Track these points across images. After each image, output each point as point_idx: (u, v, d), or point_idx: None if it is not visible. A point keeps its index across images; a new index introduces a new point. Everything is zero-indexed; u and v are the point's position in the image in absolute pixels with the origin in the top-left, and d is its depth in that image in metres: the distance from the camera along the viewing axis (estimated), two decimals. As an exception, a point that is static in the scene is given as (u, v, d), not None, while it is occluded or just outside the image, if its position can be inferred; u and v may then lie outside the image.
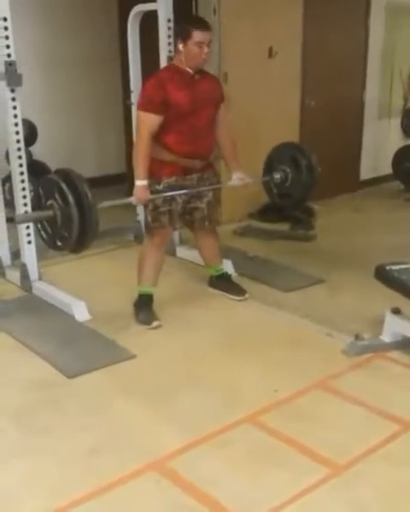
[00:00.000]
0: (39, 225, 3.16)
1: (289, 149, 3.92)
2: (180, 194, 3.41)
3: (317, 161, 3.81)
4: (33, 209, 3.18)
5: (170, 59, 4.18)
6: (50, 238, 3.14)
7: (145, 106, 3.26)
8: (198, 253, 3.91)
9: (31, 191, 3.85)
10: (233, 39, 4.90)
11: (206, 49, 3.24)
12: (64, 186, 2.96)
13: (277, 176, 3.86)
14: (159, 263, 3.52)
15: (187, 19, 3.54)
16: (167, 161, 3.33)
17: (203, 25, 3.25)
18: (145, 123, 3.26)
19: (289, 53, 5.33)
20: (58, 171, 3.12)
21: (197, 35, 3.20)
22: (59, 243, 3.12)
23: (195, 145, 3.36)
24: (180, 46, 3.24)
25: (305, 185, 3.84)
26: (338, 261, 4.34)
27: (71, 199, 2.94)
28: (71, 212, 2.94)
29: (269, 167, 3.94)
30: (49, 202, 3.05)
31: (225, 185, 3.76)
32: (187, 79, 3.29)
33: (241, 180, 3.62)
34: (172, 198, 3.40)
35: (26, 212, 3.67)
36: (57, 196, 2.99)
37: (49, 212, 3.04)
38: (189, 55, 3.24)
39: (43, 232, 3.16)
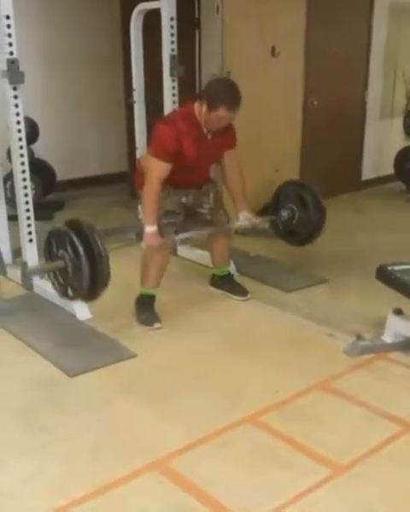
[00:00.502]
0: (52, 275, 3.19)
1: (296, 187, 3.96)
2: (181, 204, 3.46)
3: (323, 201, 3.88)
4: (46, 259, 3.25)
5: (172, 58, 4.19)
6: (62, 287, 3.18)
7: (159, 154, 3.22)
8: (202, 253, 3.90)
9: (32, 189, 3.85)
10: (236, 38, 4.89)
11: (226, 123, 3.23)
12: (75, 238, 3.00)
13: (284, 214, 3.91)
14: (162, 265, 3.51)
15: (222, 88, 3.23)
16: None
17: (233, 104, 3.16)
18: (157, 170, 3.25)
19: (291, 52, 5.33)
20: (69, 223, 3.13)
21: (223, 112, 3.16)
22: (71, 292, 3.16)
23: (189, 180, 3.43)
24: (204, 107, 3.18)
25: (312, 223, 3.89)
26: (340, 261, 4.34)
27: (81, 251, 2.97)
28: (81, 264, 2.98)
29: (276, 205, 3.99)
30: (61, 253, 3.08)
31: (232, 226, 3.76)
32: (201, 136, 3.29)
33: (248, 220, 3.62)
34: (175, 212, 3.44)
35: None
36: (68, 247, 3.03)
37: (60, 263, 3.09)
38: (208, 120, 3.23)
39: (55, 281, 3.20)
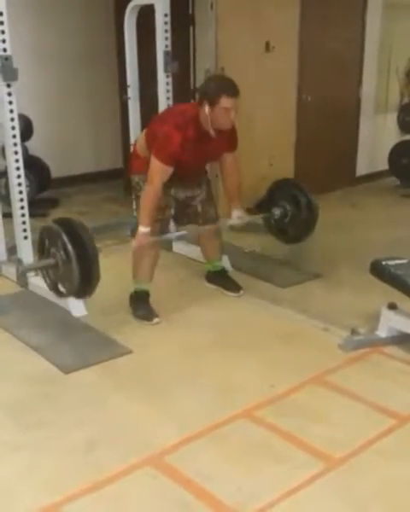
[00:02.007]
0: (44, 272, 3.21)
1: (289, 186, 3.99)
2: (173, 198, 3.47)
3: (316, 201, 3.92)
4: (38, 256, 3.26)
5: (166, 54, 4.19)
6: (53, 284, 3.19)
7: (164, 159, 3.22)
8: (197, 248, 3.91)
9: (26, 186, 3.85)
10: (230, 34, 4.88)
11: (233, 114, 3.23)
12: (65, 236, 3.01)
13: (276, 212, 3.95)
14: (154, 259, 3.52)
15: (216, 81, 3.35)
16: None
17: (232, 90, 3.18)
18: (162, 173, 3.25)
19: (286, 48, 5.32)
20: (60, 221, 3.14)
21: (225, 101, 3.16)
22: (62, 289, 3.17)
23: (184, 176, 3.43)
24: (206, 109, 3.18)
25: (304, 222, 3.93)
26: (334, 256, 4.35)
27: (71, 248, 2.98)
28: (71, 261, 2.99)
29: (270, 202, 4.03)
30: (53, 250, 3.09)
31: (224, 224, 3.77)
32: (204, 140, 3.28)
33: (240, 219, 3.64)
34: (166, 205, 3.44)
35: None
36: (59, 245, 3.04)
37: (51, 261, 3.10)
38: (215, 119, 3.22)
39: (46, 278, 3.21)
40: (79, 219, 3.20)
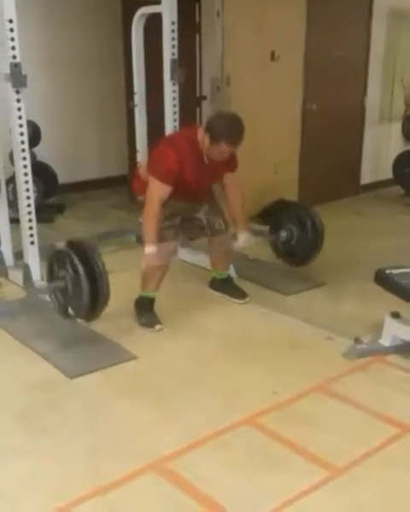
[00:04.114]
0: (53, 294, 3.21)
1: (295, 209, 4.03)
2: (178, 208, 3.46)
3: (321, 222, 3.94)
4: (47, 278, 3.26)
5: (173, 62, 4.21)
6: (62, 307, 3.18)
7: (161, 177, 3.24)
8: (200, 256, 3.93)
9: (34, 192, 3.87)
10: (236, 42, 4.92)
11: (226, 156, 3.27)
12: (75, 258, 3.00)
13: (283, 234, 3.98)
14: (164, 272, 3.53)
15: (224, 122, 3.25)
16: None
17: (235, 140, 3.21)
18: (159, 192, 3.26)
19: (291, 57, 5.35)
20: (70, 243, 3.14)
21: (224, 146, 3.20)
22: (71, 312, 3.16)
23: (187, 198, 3.44)
24: (207, 139, 3.20)
25: (310, 244, 3.96)
26: (338, 265, 4.36)
27: (82, 271, 2.98)
28: (82, 285, 2.98)
29: (275, 224, 4.08)
30: (62, 273, 3.10)
31: (231, 238, 3.76)
32: (200, 161, 3.30)
33: (246, 241, 3.64)
34: (173, 214, 3.44)
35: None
36: (69, 268, 3.04)
37: (61, 283, 3.09)
38: (210, 153, 3.26)
39: (55, 301, 3.20)
40: (90, 241, 3.18)
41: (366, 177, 6.53)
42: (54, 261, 3.18)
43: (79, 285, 3.00)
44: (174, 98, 4.32)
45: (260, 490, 2.24)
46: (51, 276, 3.21)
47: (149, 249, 3.28)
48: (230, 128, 3.21)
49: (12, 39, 3.43)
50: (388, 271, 3.22)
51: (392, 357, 3.14)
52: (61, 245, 3.12)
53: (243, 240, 3.62)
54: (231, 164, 3.45)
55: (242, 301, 3.80)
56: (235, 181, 3.54)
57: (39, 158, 5.48)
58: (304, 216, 3.98)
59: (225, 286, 3.90)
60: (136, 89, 4.56)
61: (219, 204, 3.70)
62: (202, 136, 3.25)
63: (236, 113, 3.31)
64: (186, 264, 4.42)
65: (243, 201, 3.60)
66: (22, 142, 3.65)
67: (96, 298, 3.02)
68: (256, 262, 4.47)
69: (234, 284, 3.92)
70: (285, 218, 4.06)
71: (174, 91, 4.30)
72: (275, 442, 2.50)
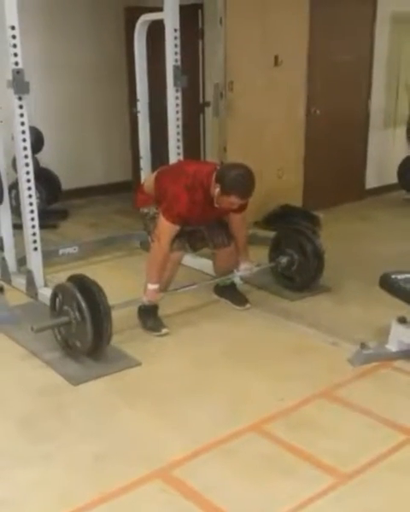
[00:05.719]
0: (56, 330, 3.21)
1: (295, 234, 3.99)
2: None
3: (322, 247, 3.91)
4: (51, 313, 3.25)
5: (176, 68, 4.21)
6: (65, 341, 3.18)
7: (173, 219, 3.31)
8: (204, 262, 3.93)
9: (37, 198, 3.88)
10: (239, 48, 4.92)
11: (235, 207, 3.33)
12: (78, 295, 3.01)
13: (283, 260, 3.97)
14: (169, 279, 3.56)
15: (236, 175, 3.24)
16: None
17: (245, 194, 3.26)
18: (170, 232, 3.34)
19: (294, 61, 5.35)
20: (73, 278, 3.15)
21: (234, 199, 3.25)
22: (75, 346, 3.14)
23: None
24: (217, 189, 3.24)
25: (311, 271, 3.93)
26: (344, 270, 4.34)
27: (85, 306, 2.98)
28: (85, 320, 2.98)
29: (276, 250, 4.07)
30: (66, 308, 3.10)
31: (233, 276, 3.86)
32: (211, 204, 3.34)
33: (248, 270, 3.76)
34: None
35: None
36: (73, 303, 3.04)
37: (65, 319, 3.10)
38: (220, 202, 3.30)
39: (58, 335, 3.20)
40: (94, 280, 3.14)
41: (371, 182, 6.52)
42: (59, 295, 3.17)
43: (83, 325, 3.00)
44: (177, 104, 4.32)
45: (267, 497, 2.22)
46: (54, 306, 3.20)
47: (152, 287, 3.38)
48: (241, 182, 3.25)
49: (14, 46, 3.45)
50: (393, 276, 3.20)
51: (399, 363, 3.12)
52: (67, 284, 3.12)
53: (244, 268, 3.74)
54: (240, 208, 3.46)
55: (241, 307, 3.81)
56: (241, 219, 3.63)
57: (42, 164, 5.49)
58: (305, 241, 3.91)
59: (227, 291, 3.90)
60: (138, 95, 4.56)
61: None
62: (214, 185, 3.27)
63: (246, 165, 3.32)
64: (190, 269, 4.39)
65: (246, 236, 3.74)
66: (25, 148, 3.66)
67: (99, 335, 3.02)
68: (261, 267, 4.44)
69: (236, 290, 3.92)
70: (285, 243, 4.01)
71: (177, 98, 4.31)
72: (281, 449, 2.48)
